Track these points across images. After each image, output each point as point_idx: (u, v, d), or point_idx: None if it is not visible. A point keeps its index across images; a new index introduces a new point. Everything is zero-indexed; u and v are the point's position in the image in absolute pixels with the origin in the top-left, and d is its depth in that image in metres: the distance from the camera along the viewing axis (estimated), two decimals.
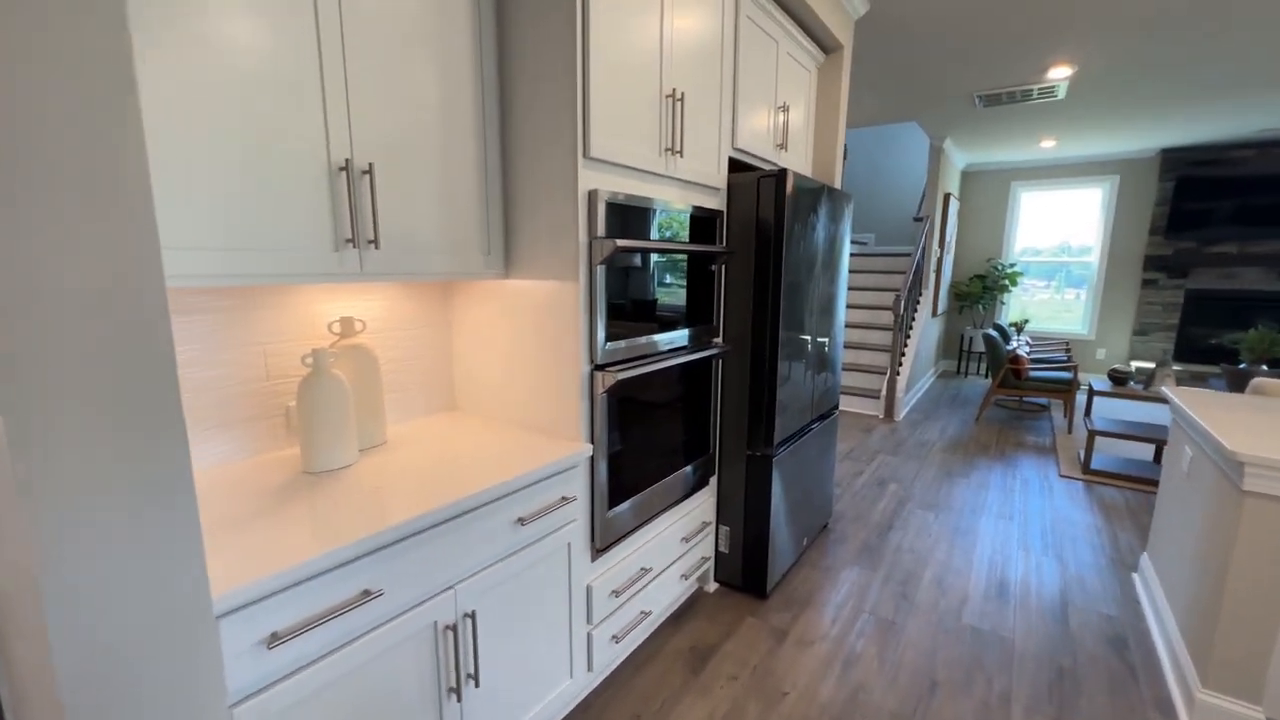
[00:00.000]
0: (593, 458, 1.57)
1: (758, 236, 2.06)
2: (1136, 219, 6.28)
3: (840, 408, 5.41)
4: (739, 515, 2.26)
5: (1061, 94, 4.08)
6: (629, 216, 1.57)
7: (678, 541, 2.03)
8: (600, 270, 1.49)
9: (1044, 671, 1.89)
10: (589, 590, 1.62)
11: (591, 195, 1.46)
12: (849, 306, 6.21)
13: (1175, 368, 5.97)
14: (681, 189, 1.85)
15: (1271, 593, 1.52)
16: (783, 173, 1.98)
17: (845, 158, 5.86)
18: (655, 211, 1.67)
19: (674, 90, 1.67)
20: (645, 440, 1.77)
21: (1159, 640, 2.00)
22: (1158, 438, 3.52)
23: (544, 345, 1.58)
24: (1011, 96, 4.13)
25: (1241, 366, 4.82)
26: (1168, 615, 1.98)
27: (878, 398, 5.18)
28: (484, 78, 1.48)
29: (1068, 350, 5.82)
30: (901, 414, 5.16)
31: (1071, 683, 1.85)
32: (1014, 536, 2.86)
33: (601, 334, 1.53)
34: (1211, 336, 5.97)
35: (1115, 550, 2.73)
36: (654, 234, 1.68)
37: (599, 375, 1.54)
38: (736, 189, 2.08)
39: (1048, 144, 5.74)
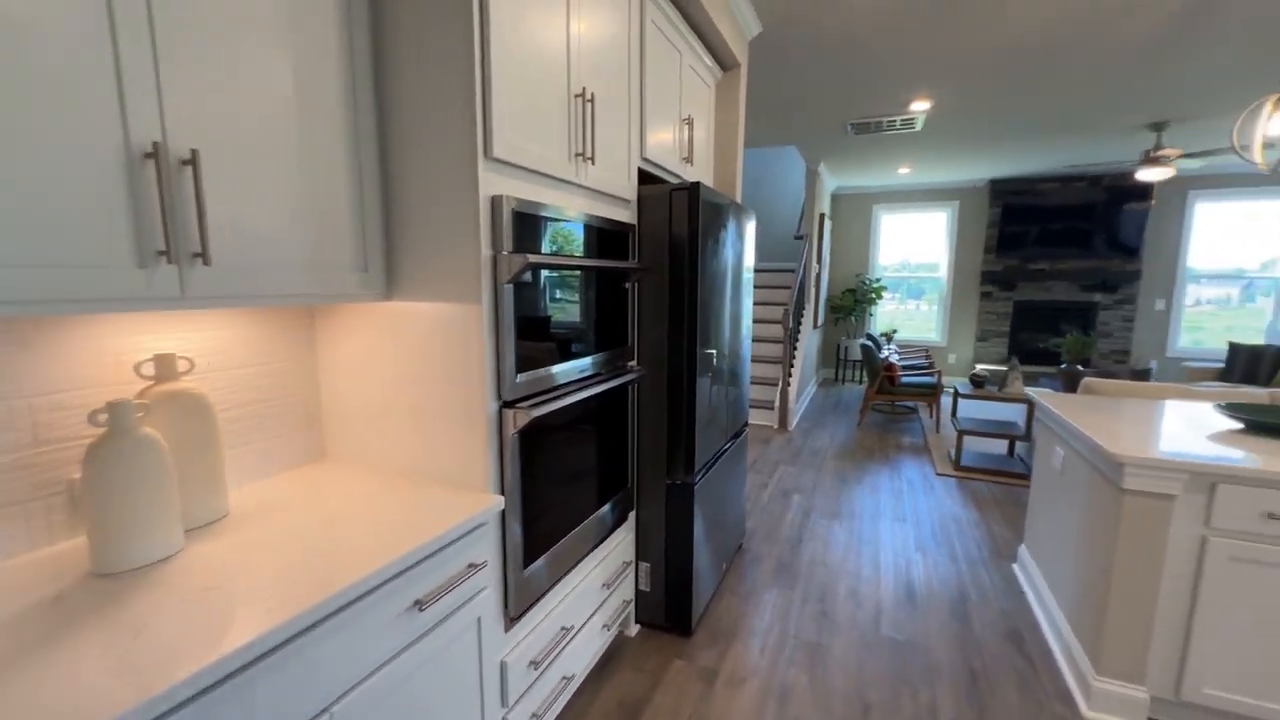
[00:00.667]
0: (504, 511, 1.33)
1: (671, 251, 1.94)
2: (973, 239, 7.17)
3: None
4: (660, 550, 2.11)
5: (919, 126, 4.51)
6: (539, 228, 1.37)
7: (598, 589, 1.83)
8: (508, 290, 1.28)
9: (961, 677, 1.94)
10: (503, 667, 1.37)
11: (496, 202, 1.24)
12: None
13: (1005, 368, 6.86)
14: (593, 199, 1.68)
15: (1148, 580, 1.66)
16: (695, 185, 1.89)
17: None
18: (568, 223, 1.48)
19: (584, 90, 1.51)
20: (561, 481, 1.56)
21: (1049, 632, 2.15)
22: (1012, 434, 3.95)
23: (440, 380, 1.32)
24: (879, 126, 4.49)
25: (1063, 366, 5.62)
26: (1054, 607, 2.14)
27: (772, 408, 5.35)
28: (355, 63, 1.21)
29: (928, 356, 6.46)
30: (794, 423, 5.37)
31: (986, 684, 1.91)
32: (910, 538, 3.00)
33: (511, 364, 1.31)
34: (1036, 340, 6.95)
35: (994, 543, 2.96)
36: (566, 248, 1.49)
37: (509, 413, 1.31)
38: (648, 201, 1.95)
39: (904, 171, 6.37)
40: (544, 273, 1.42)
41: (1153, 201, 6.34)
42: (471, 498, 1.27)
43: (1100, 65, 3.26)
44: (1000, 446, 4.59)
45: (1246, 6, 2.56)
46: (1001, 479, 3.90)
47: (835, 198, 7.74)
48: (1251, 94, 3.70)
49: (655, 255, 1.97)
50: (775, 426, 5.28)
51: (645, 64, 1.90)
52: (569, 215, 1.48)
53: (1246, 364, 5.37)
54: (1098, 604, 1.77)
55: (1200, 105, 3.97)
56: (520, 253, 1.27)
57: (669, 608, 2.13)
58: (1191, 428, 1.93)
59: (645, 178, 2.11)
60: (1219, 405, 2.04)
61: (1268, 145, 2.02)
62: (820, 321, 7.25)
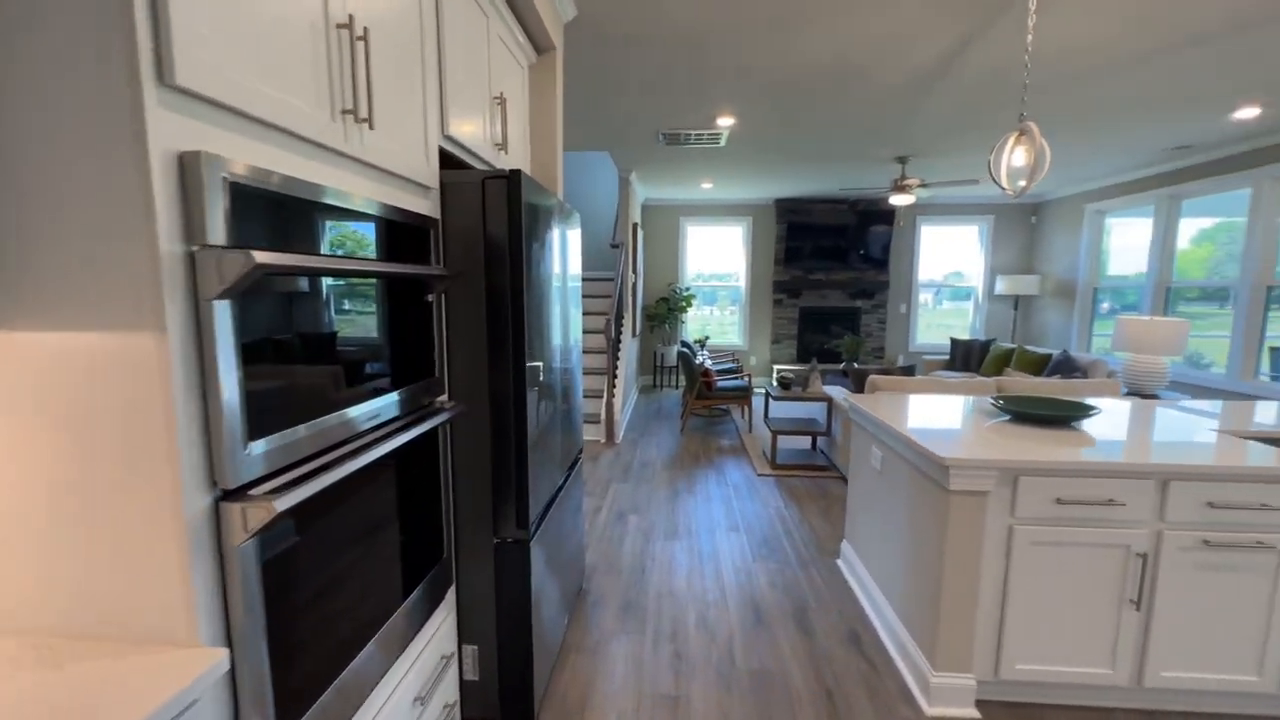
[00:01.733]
0: (234, 668, 0.83)
1: (488, 254, 1.55)
2: (765, 252, 7.91)
3: None
4: (489, 627, 1.69)
5: (723, 142, 4.71)
6: (286, 215, 0.89)
7: (408, 707, 1.35)
8: (220, 309, 0.78)
9: (819, 699, 1.88)
10: None
11: (188, 165, 0.74)
12: None
13: (798, 367, 7.70)
14: (377, 181, 1.22)
15: (971, 573, 1.76)
16: (515, 174, 1.53)
17: None
18: (337, 211, 1.01)
19: (350, 19, 1.05)
20: (341, 585, 1.08)
21: (882, 630, 2.23)
22: (816, 430, 4.30)
23: (101, 463, 0.76)
24: (688, 138, 4.58)
25: (852, 364, 6.40)
26: (884, 604, 2.23)
27: (599, 422, 5.15)
28: None
29: (736, 359, 6.91)
30: (621, 435, 5.24)
31: (842, 701, 1.87)
32: (746, 548, 3.00)
33: (237, 427, 0.81)
34: (818, 342, 7.90)
35: (817, 539, 3.10)
36: (337, 246, 1.02)
37: (235, 508, 0.81)
38: (455, 191, 1.53)
39: (707, 186, 6.73)
40: (301, 282, 0.94)
41: (900, 223, 7.65)
42: (168, 661, 0.75)
43: (866, 103, 3.69)
44: (805, 441, 5.02)
45: (977, 65, 3.06)
46: (810, 473, 4.21)
47: (646, 208, 7.92)
48: (969, 138, 4.55)
49: (467, 259, 1.56)
50: (603, 440, 5.09)
51: (442, 14, 1.49)
52: (339, 199, 1.02)
53: (963, 354, 6.73)
54: (932, 603, 1.83)
55: (932, 144, 4.79)
56: (243, 247, 0.79)
57: (505, 696, 1.72)
58: (975, 420, 2.15)
59: (451, 163, 1.68)
60: (993, 399, 2.33)
61: (1011, 174, 2.48)
62: (638, 330, 7.32)
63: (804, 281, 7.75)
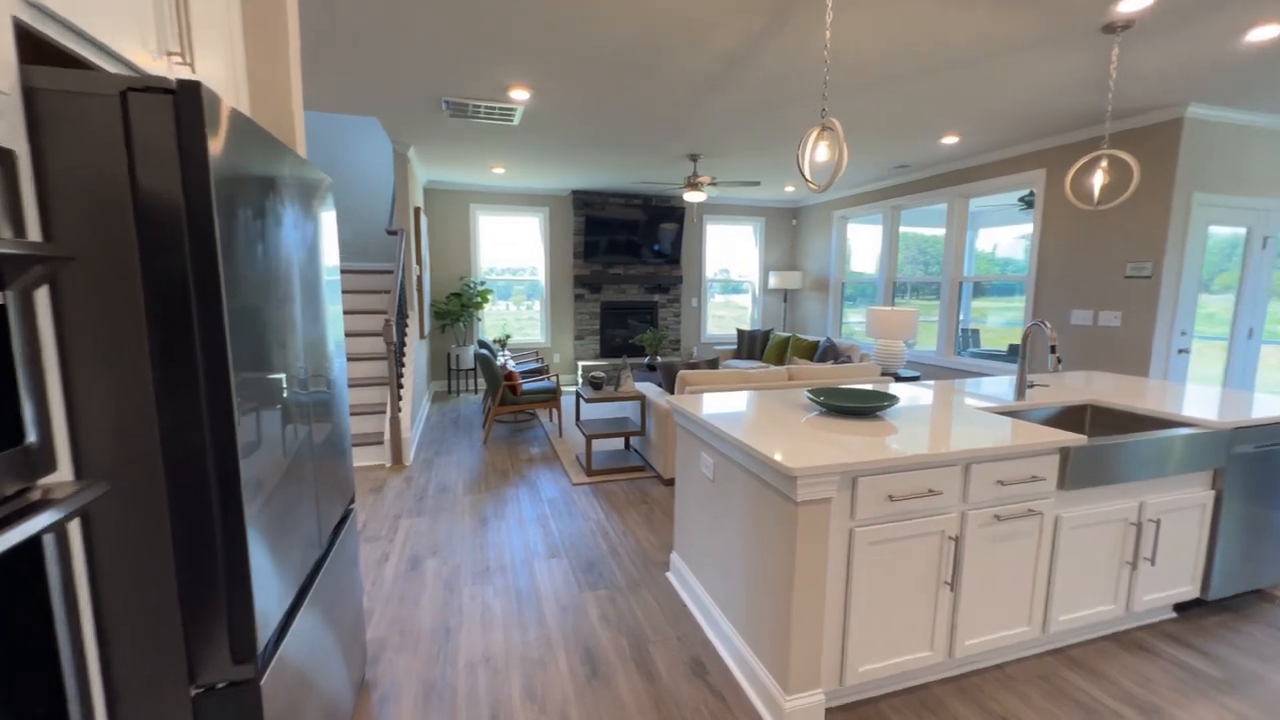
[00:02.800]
0: None
1: (146, 220, 0.91)
2: (564, 245, 7.63)
3: None
4: None
5: (516, 121, 4.24)
6: None
7: None
8: None
9: None
10: None
11: None
12: None
13: (603, 363, 7.63)
14: None
15: (819, 586, 1.66)
16: (194, 87, 0.92)
17: None
18: None
19: None
20: None
21: (725, 653, 2.07)
22: (630, 430, 4.14)
23: None
24: (476, 110, 4.00)
25: (648, 359, 6.45)
26: (724, 624, 2.07)
27: (381, 443, 4.30)
28: None
29: (540, 358, 6.50)
30: (412, 455, 4.46)
31: None
32: (571, 576, 2.65)
33: None
34: (620, 337, 7.91)
35: (644, 553, 2.89)
36: None
37: None
38: (63, 106, 0.86)
39: (499, 170, 6.16)
40: None
41: (694, 221, 8.00)
42: None
43: (665, 91, 3.59)
44: (619, 441, 4.86)
45: (771, 63, 3.12)
46: (628, 475, 4.04)
47: (430, 192, 7.00)
48: (754, 140, 4.81)
49: (101, 229, 0.90)
50: (389, 465, 4.27)
51: None
52: None
53: (748, 343, 7.34)
54: (781, 623, 1.69)
55: (722, 143, 4.99)
56: None
57: None
58: (794, 417, 2.11)
59: (56, 59, 0.97)
60: (808, 393, 2.33)
61: (814, 170, 2.58)
62: (427, 330, 6.44)
63: (604, 276, 7.67)
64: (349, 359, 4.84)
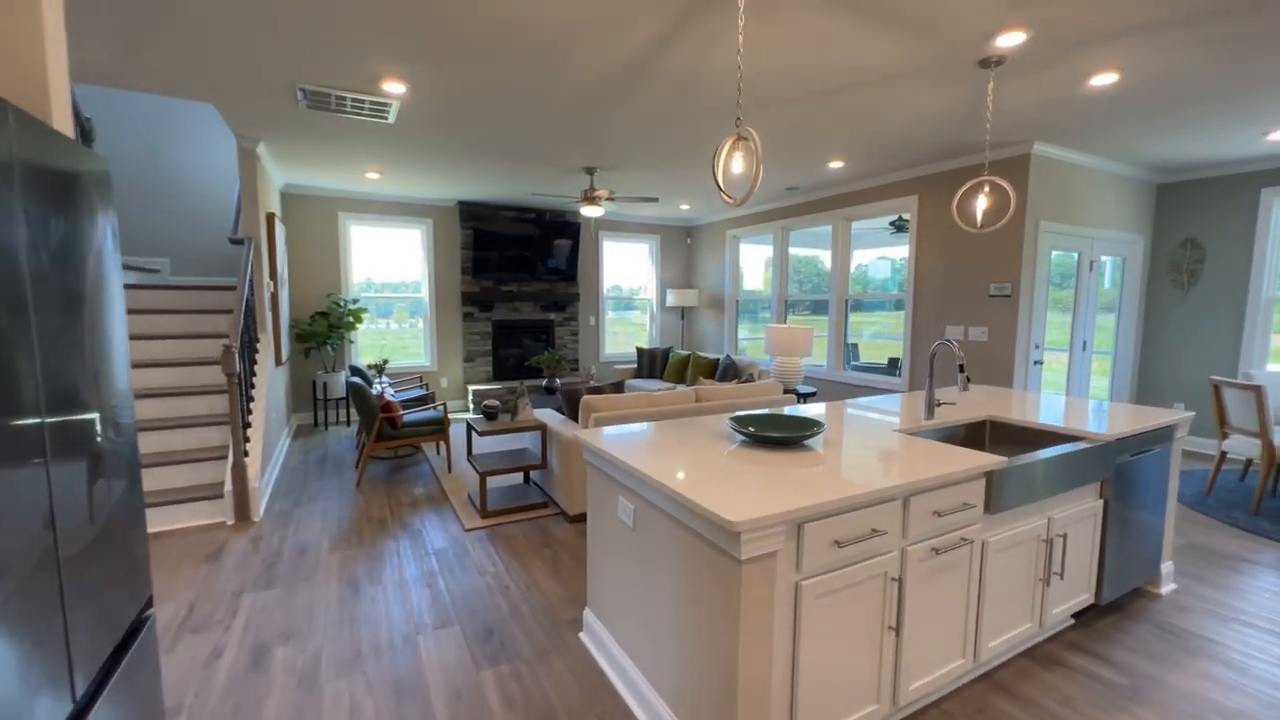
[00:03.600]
0: None
1: None
2: (450, 259, 7.04)
3: (153, 529, 3.39)
4: None
5: (392, 119, 3.75)
6: None
7: None
8: None
9: None
10: None
11: None
12: (138, 366, 4.09)
13: (496, 386, 7.10)
14: None
15: (765, 652, 1.43)
16: None
17: (87, 119, 3.72)
18: None
19: None
20: None
21: None
22: (530, 464, 3.75)
23: None
24: (341, 103, 3.47)
25: (546, 382, 6.06)
26: (653, 697, 1.79)
27: (220, 496, 3.53)
28: None
29: (424, 384, 5.87)
30: (262, 508, 3.72)
31: None
32: (465, 650, 2.22)
33: None
34: (513, 358, 7.43)
35: (551, 610, 2.53)
36: None
37: None
38: None
39: (374, 176, 5.51)
40: None
41: (591, 236, 7.74)
42: None
43: (561, 98, 3.33)
44: (516, 475, 4.43)
45: (672, 73, 2.98)
46: (528, 514, 3.64)
47: (290, 197, 6.13)
48: (653, 155, 4.69)
49: None
50: (230, 522, 3.50)
51: None
52: None
53: (648, 362, 7.20)
54: (725, 700, 1.44)
55: (621, 157, 4.81)
56: None
57: None
58: (714, 446, 1.91)
59: None
60: (732, 422, 2.15)
61: (729, 183, 2.45)
62: (286, 355, 5.56)
63: (495, 293, 7.18)
64: (173, 393, 3.97)
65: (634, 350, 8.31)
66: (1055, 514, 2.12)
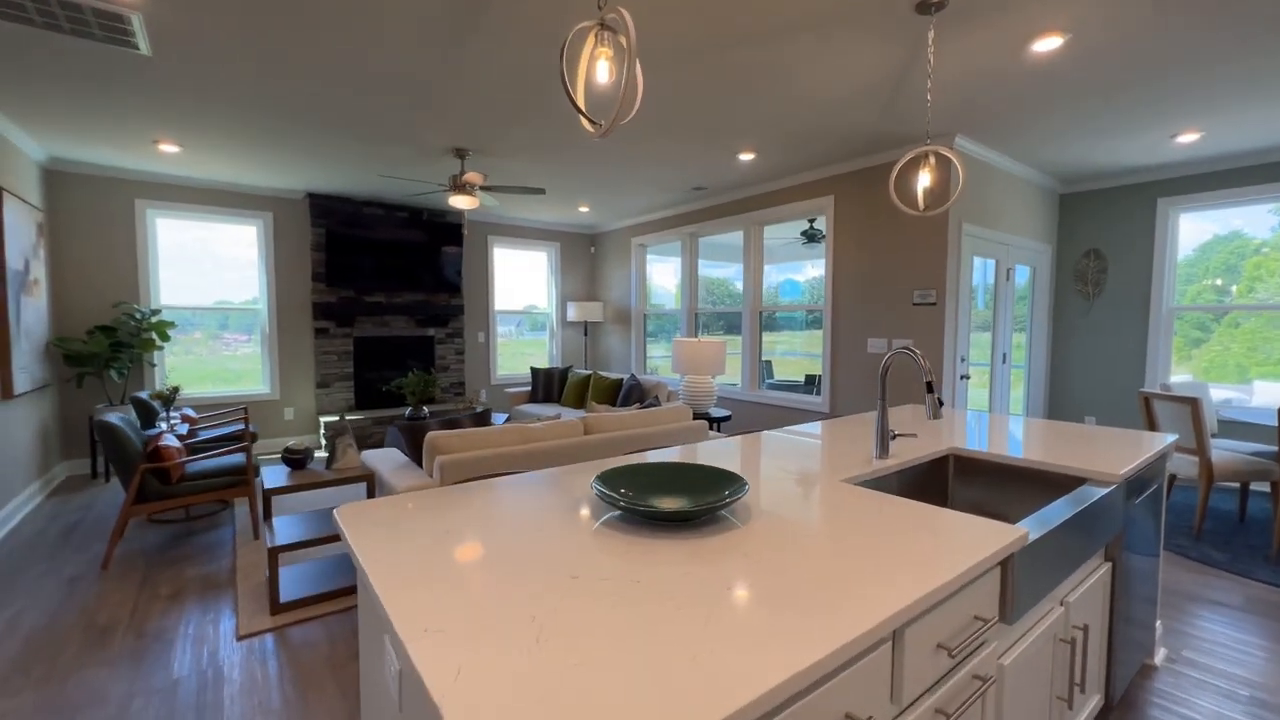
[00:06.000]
0: None
1: None
2: (298, 264, 5.79)
3: None
4: None
5: (144, 46, 2.66)
6: None
7: None
8: None
9: None
10: None
11: None
12: None
13: (360, 416, 5.87)
14: None
15: None
16: None
17: None
18: None
19: None
20: None
21: None
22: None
23: None
24: (46, 9, 2.34)
25: (409, 412, 4.97)
26: None
27: None
28: None
29: (245, 419, 4.58)
30: None
31: None
32: None
33: None
34: (381, 381, 6.23)
35: None
36: None
37: None
38: None
39: (169, 149, 4.25)
40: None
41: (468, 233, 6.72)
42: None
43: (387, 38, 2.43)
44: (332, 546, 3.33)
45: (538, 14, 2.17)
46: (342, 602, 2.60)
47: (59, 175, 4.67)
48: (528, 135, 3.85)
49: None
50: None
51: None
52: None
53: (544, 384, 6.28)
54: None
55: (493, 139, 3.94)
56: None
57: None
58: (569, 527, 1.07)
59: None
60: (596, 484, 1.31)
61: (593, 102, 1.71)
62: (34, 384, 4.10)
63: (357, 305, 5.99)
64: None
65: (529, 370, 7.34)
66: (1070, 597, 1.46)
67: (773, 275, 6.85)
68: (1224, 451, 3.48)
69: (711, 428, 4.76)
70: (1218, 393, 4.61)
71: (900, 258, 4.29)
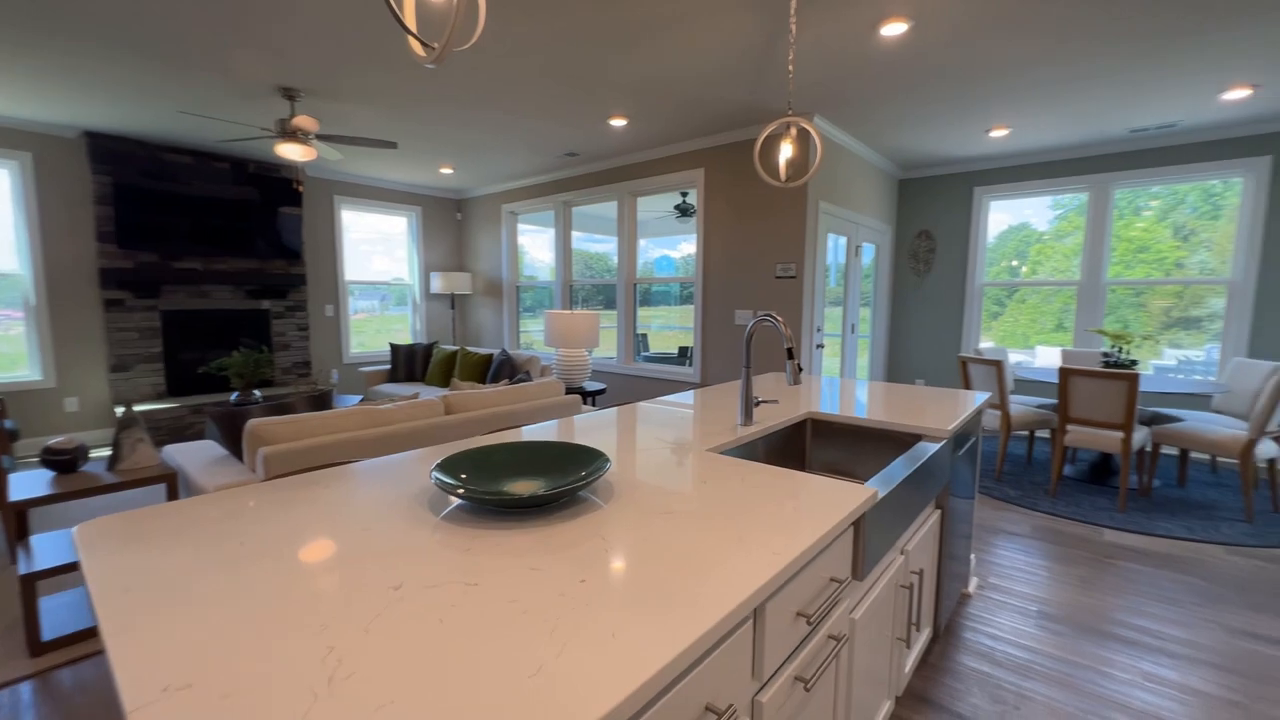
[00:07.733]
0: None
1: None
2: (76, 220, 4.68)
3: None
4: None
5: None
6: None
7: None
8: None
9: None
10: None
11: None
12: None
13: (175, 404, 4.95)
14: None
15: None
16: None
17: None
18: None
19: None
20: None
21: None
22: None
23: None
24: None
25: (235, 397, 4.29)
26: None
27: None
28: None
29: (4, 415, 3.62)
30: None
31: None
32: None
33: None
34: (202, 362, 5.31)
35: None
36: None
37: None
38: None
39: None
40: None
41: (299, 188, 5.87)
42: None
43: None
44: None
45: None
46: None
47: None
48: (374, 80, 3.37)
49: None
50: None
51: None
52: None
53: (406, 361, 5.76)
54: None
55: (331, 78, 3.40)
56: None
57: None
58: (409, 524, 0.91)
59: None
60: (436, 472, 1.13)
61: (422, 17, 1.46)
62: None
63: (164, 271, 5.00)
64: None
65: (388, 347, 6.72)
66: (909, 545, 1.57)
67: (650, 251, 6.87)
68: (1018, 405, 4.10)
69: (586, 401, 4.67)
70: (1013, 356, 5.45)
71: (764, 230, 4.46)
